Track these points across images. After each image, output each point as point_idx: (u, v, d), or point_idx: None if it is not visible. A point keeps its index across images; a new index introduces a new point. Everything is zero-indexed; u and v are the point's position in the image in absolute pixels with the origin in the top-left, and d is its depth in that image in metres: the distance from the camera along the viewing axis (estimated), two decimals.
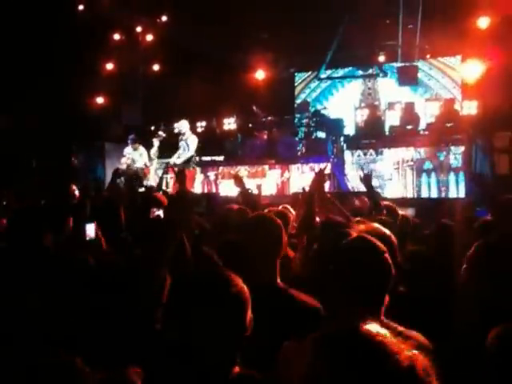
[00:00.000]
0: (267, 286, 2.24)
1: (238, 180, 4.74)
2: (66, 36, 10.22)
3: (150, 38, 12.61)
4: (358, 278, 1.91)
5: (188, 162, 10.27)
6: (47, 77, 10.56)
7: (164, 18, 12.37)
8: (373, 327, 1.08)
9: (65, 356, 1.57)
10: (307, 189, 3.83)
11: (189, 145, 10.28)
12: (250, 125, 12.16)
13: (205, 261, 2.78)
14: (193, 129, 11.53)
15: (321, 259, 2.65)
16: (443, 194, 9.87)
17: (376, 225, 2.56)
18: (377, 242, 2.01)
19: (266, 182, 10.60)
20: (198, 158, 10.81)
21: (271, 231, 2.36)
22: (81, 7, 11.09)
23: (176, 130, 10.47)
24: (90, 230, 3.31)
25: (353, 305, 1.87)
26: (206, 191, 11.15)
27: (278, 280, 2.31)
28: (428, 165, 10.13)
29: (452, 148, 9.98)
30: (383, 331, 1.07)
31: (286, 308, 2.17)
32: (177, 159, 10.27)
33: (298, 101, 14.94)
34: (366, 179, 4.55)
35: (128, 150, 10.53)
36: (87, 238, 3.27)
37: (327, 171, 8.04)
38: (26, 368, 1.51)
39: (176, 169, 9.28)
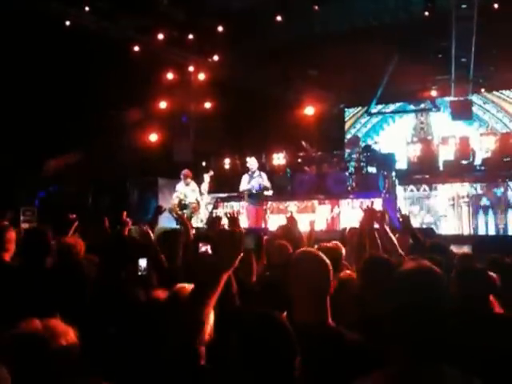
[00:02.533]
0: (317, 325, 2.18)
1: (293, 222, 4.65)
2: (122, 76, 10.64)
3: (201, 76, 13.00)
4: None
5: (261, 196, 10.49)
6: (101, 116, 11.00)
7: (216, 58, 12.74)
8: None
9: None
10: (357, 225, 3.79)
11: (264, 179, 10.49)
12: (300, 160, 12.14)
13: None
14: (243, 164, 11.62)
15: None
16: (501, 231, 9.48)
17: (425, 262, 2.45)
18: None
19: (316, 217, 10.49)
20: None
21: (319, 268, 2.30)
22: (136, 48, 11.59)
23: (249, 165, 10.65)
24: (142, 265, 3.40)
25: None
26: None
27: (330, 319, 2.24)
28: (485, 201, 9.80)
29: (510, 183, 9.63)
30: None
31: (336, 347, 2.09)
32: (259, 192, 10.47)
33: (348, 136, 14.88)
34: (404, 221, 4.47)
35: (180, 185, 10.74)
36: (139, 273, 3.34)
37: (377, 207, 7.83)
38: None
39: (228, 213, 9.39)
